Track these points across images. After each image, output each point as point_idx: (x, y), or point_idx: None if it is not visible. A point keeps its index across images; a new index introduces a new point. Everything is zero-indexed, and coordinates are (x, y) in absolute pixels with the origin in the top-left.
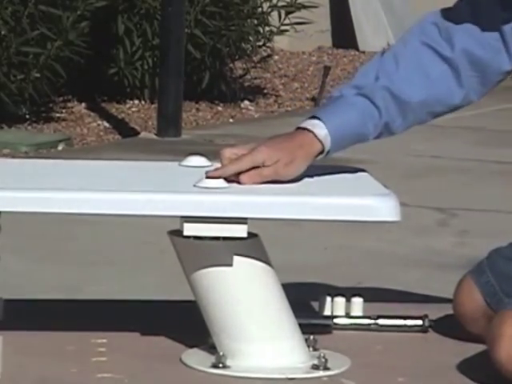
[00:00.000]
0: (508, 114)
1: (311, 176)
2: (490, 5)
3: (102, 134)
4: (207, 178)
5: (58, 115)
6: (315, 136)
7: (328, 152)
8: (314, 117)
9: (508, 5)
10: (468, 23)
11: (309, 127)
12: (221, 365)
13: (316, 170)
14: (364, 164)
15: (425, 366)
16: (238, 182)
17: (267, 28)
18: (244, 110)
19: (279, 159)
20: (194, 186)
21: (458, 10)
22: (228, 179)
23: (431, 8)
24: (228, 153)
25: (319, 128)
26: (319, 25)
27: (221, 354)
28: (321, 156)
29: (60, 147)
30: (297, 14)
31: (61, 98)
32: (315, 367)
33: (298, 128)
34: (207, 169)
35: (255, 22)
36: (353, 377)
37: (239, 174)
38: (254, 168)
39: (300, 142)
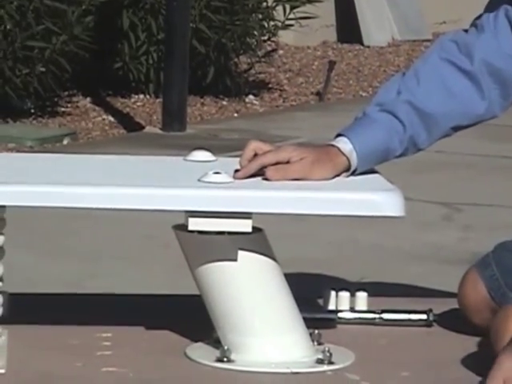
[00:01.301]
0: None
1: None
2: (508, 18)
3: (106, 128)
4: (235, 178)
5: (63, 109)
6: (339, 150)
7: (356, 169)
8: (338, 135)
9: None
10: (486, 37)
11: (333, 143)
12: (225, 359)
13: None
14: None
15: (429, 360)
16: (265, 178)
17: (272, 23)
18: (249, 105)
19: (305, 158)
20: (199, 180)
21: (475, 26)
22: (254, 174)
23: (436, 3)
24: (253, 145)
25: (343, 143)
26: (324, 19)
27: (225, 348)
28: (348, 173)
29: (65, 142)
30: (302, 8)
31: (66, 93)
32: (319, 361)
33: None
34: (212, 164)
35: (260, 16)
36: (357, 371)
37: (263, 168)
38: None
39: (325, 151)
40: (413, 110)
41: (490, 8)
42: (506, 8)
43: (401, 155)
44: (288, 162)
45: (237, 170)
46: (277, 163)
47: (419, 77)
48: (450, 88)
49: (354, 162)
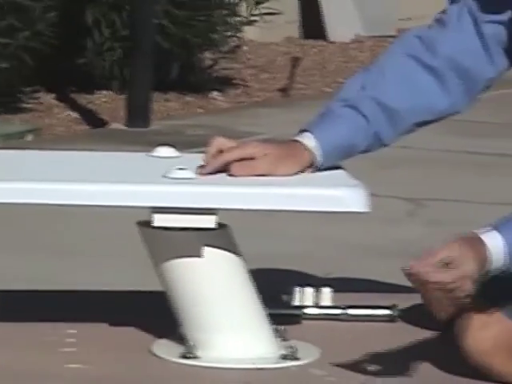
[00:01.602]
0: (478, 104)
1: None
2: (471, 15)
3: (71, 124)
4: (200, 174)
5: (26, 106)
6: (304, 146)
7: (320, 165)
8: (303, 130)
9: (489, 15)
10: (450, 33)
11: (297, 138)
12: (191, 355)
13: None
14: None
15: (394, 354)
16: (230, 174)
17: (236, 18)
18: (213, 101)
19: (269, 154)
20: (163, 176)
21: (439, 22)
22: (218, 170)
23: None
24: (217, 142)
25: (307, 138)
26: (288, 15)
27: (190, 344)
28: (312, 168)
29: (29, 138)
30: (266, 4)
31: (29, 89)
32: (284, 357)
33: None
34: (177, 160)
35: (224, 12)
36: (322, 366)
37: (228, 165)
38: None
39: (289, 146)
40: (377, 106)
41: (453, 3)
42: (469, 4)
43: (365, 151)
44: (252, 158)
45: (201, 167)
46: (241, 159)
47: (383, 72)
48: (414, 83)
49: (319, 158)
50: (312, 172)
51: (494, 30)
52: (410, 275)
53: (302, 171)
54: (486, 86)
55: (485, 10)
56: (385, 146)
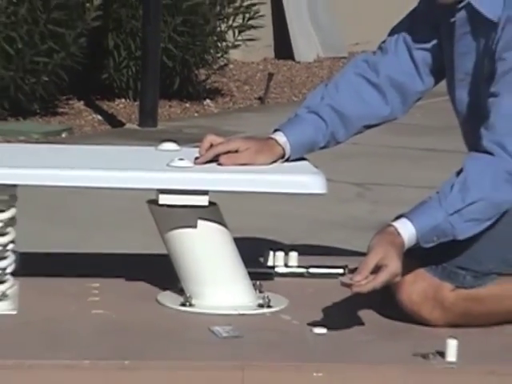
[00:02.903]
0: (412, 110)
1: None
2: (405, 43)
3: (96, 125)
4: (196, 164)
5: (61, 110)
6: (277, 142)
7: (289, 157)
8: (276, 130)
9: (418, 44)
10: (389, 57)
11: (271, 136)
12: (187, 303)
13: None
14: None
15: (346, 304)
16: (219, 164)
17: (224, 43)
18: (206, 107)
19: (250, 147)
20: (167, 165)
21: (381, 49)
22: (210, 160)
23: (351, 27)
24: (209, 138)
25: (279, 136)
26: (264, 41)
27: (187, 295)
28: (283, 159)
29: (63, 135)
30: (247, 32)
31: (64, 97)
32: (260, 305)
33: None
34: (178, 152)
35: (215, 38)
36: (289, 313)
37: (218, 156)
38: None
39: (265, 142)
40: (333, 112)
41: (392, 34)
42: (404, 35)
43: (324, 147)
44: (236, 151)
45: (197, 158)
46: (228, 152)
47: (338, 87)
48: (362, 96)
49: (288, 151)
50: (282, 162)
51: (422, 55)
52: (351, 289)
53: (275, 161)
54: (418, 97)
55: (415, 40)
56: (339, 143)
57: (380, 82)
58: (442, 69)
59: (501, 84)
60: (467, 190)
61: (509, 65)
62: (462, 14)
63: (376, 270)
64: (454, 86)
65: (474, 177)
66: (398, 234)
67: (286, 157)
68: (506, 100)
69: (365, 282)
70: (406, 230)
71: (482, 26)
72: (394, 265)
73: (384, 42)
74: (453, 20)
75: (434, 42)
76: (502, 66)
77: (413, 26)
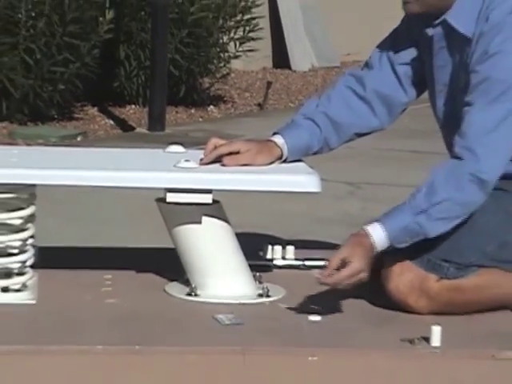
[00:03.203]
0: (401, 115)
1: None
2: (389, 59)
3: (108, 129)
4: (201, 164)
5: (77, 116)
6: (275, 144)
7: (286, 158)
8: (274, 133)
9: (400, 59)
10: (375, 72)
11: (271, 138)
12: (193, 293)
13: None
14: None
15: (338, 294)
16: (222, 164)
17: (226, 54)
18: (210, 113)
19: (250, 149)
20: (174, 166)
21: (367, 65)
22: (215, 161)
23: (343, 39)
24: (213, 141)
25: (278, 138)
26: (263, 52)
27: (193, 285)
28: (280, 160)
29: (78, 138)
30: (247, 44)
31: (79, 104)
32: (260, 295)
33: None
34: (184, 154)
35: (218, 49)
36: (287, 302)
37: (221, 157)
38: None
39: (265, 144)
40: (327, 119)
41: (376, 51)
42: (387, 52)
43: (317, 151)
44: (238, 153)
45: (202, 159)
46: (230, 153)
47: (330, 97)
48: (351, 106)
49: (286, 153)
50: (280, 163)
51: (404, 69)
52: (320, 283)
53: (273, 162)
54: (403, 108)
55: (397, 56)
56: (331, 149)
57: (367, 94)
58: (423, 81)
59: (473, 94)
60: (433, 192)
61: (481, 76)
62: (438, 30)
63: (342, 266)
64: (435, 95)
65: (440, 179)
66: (368, 235)
67: (284, 158)
68: (477, 109)
69: (329, 276)
70: (376, 232)
71: (457, 41)
72: (357, 262)
73: (369, 58)
74: (431, 34)
75: (415, 56)
76: (475, 78)
77: (395, 43)
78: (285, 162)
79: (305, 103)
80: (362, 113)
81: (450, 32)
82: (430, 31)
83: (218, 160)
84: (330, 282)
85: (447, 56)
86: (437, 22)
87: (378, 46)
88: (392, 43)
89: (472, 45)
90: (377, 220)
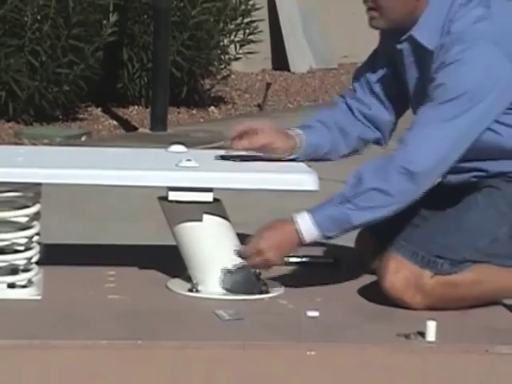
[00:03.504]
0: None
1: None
2: (366, 81)
3: (112, 129)
4: (233, 148)
5: (81, 116)
6: (293, 132)
7: (299, 148)
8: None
9: (374, 76)
10: (357, 95)
11: (290, 132)
12: (194, 289)
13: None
14: None
15: (336, 290)
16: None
17: (227, 56)
18: (211, 113)
19: (271, 129)
20: (176, 165)
21: (352, 89)
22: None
23: (340, 41)
24: (238, 127)
25: (293, 132)
26: (263, 54)
27: (194, 282)
28: (293, 153)
29: (83, 138)
30: (247, 46)
31: (83, 104)
32: (260, 292)
33: None
34: (185, 154)
35: (219, 51)
36: (286, 298)
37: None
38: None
39: (285, 130)
40: (335, 127)
41: (356, 74)
42: (365, 73)
43: (327, 153)
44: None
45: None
46: (252, 130)
47: (335, 111)
48: (354, 125)
49: (299, 143)
50: (284, 162)
51: (381, 87)
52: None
53: (286, 153)
54: (391, 125)
55: (375, 75)
56: (339, 155)
57: (357, 116)
58: (403, 96)
59: (427, 99)
60: (360, 183)
61: (436, 82)
62: (406, 45)
63: (257, 255)
64: (412, 107)
65: (368, 171)
66: (294, 223)
67: (298, 146)
68: (426, 108)
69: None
70: (303, 220)
71: (423, 55)
72: (272, 256)
73: (352, 81)
74: (400, 49)
75: (392, 72)
76: (431, 84)
77: (372, 62)
78: (294, 160)
79: (318, 113)
80: (361, 129)
81: (416, 46)
82: (399, 46)
83: (243, 138)
84: (248, 263)
85: (417, 70)
86: (403, 37)
87: (357, 69)
88: (370, 63)
89: (434, 57)
90: (306, 209)
